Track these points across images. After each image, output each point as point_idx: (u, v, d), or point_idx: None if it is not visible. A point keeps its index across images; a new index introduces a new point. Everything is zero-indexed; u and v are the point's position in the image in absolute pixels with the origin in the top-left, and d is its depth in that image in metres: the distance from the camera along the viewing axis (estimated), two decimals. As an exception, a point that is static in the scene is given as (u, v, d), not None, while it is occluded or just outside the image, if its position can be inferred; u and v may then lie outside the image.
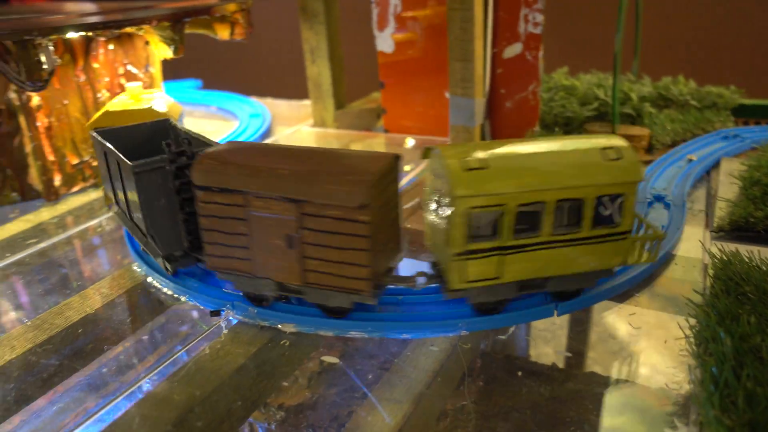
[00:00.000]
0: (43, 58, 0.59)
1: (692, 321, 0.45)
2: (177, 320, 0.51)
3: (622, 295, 0.52)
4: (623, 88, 0.91)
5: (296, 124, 1.08)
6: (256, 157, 0.46)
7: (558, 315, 0.49)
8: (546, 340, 0.47)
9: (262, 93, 1.31)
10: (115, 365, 0.46)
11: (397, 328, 0.48)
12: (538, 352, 0.45)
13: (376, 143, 0.97)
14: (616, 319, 0.49)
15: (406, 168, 0.84)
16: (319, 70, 1.00)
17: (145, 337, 0.49)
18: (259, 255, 0.47)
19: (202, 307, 0.52)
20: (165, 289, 0.55)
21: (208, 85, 1.38)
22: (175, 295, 0.54)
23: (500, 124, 0.89)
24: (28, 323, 0.52)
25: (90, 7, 0.88)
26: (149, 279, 0.57)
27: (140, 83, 0.67)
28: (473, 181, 0.43)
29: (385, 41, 0.94)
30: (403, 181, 0.79)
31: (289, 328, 0.48)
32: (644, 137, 0.82)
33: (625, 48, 0.84)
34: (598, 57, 1.22)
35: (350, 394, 0.42)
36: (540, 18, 0.82)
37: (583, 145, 0.46)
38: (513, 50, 0.85)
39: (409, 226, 0.67)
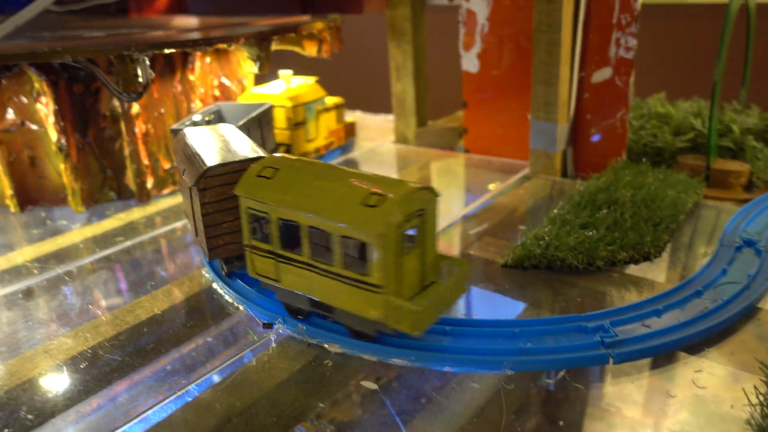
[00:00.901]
0: (139, 72, 0.64)
1: (763, 388, 0.41)
2: (232, 329, 0.53)
3: (691, 348, 0.48)
4: (724, 119, 0.85)
5: (378, 139, 1.10)
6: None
7: (614, 363, 0.46)
8: (595, 388, 0.44)
9: (350, 106, 1.33)
10: (170, 367, 0.48)
11: (441, 359, 0.47)
12: (585, 402, 0.43)
13: (455, 162, 0.97)
14: (679, 375, 0.45)
15: (480, 187, 0.83)
16: (403, 88, 1.00)
17: (201, 343, 0.52)
18: None
19: (257, 319, 0.54)
20: (227, 297, 0.58)
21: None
22: (235, 304, 0.57)
23: (584, 152, 0.85)
24: (103, 317, 0.56)
25: (192, 22, 0.94)
26: (214, 285, 0.60)
27: (290, 70, 0.74)
28: (253, 185, 0.48)
29: (471, 61, 0.93)
30: (473, 206, 0.77)
31: (335, 348, 0.49)
32: (743, 173, 0.76)
33: (733, 75, 0.78)
34: (703, 83, 1.13)
35: (384, 423, 0.42)
36: (633, 42, 0.78)
37: (362, 184, 0.45)
38: (602, 75, 0.81)
39: (472, 252, 0.65)
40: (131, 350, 0.51)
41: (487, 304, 0.57)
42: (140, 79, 0.64)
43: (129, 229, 0.76)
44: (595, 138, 0.84)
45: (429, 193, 0.47)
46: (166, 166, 0.84)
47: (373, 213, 0.42)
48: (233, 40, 0.70)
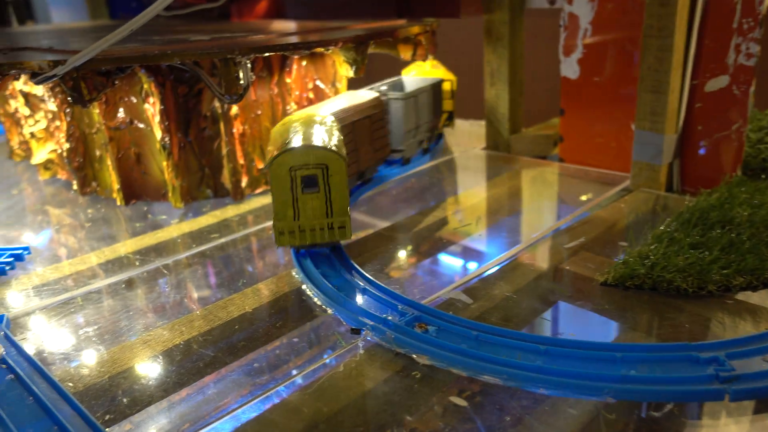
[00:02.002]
0: (240, 75, 0.65)
1: None
2: (320, 332, 0.53)
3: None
4: None
5: (469, 144, 1.07)
6: None
7: (730, 400, 0.42)
8: (707, 427, 0.40)
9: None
10: (259, 366, 0.49)
11: (535, 380, 0.44)
12: (696, 441, 0.39)
13: (549, 172, 0.93)
14: (808, 420, 0.40)
15: (575, 198, 0.79)
16: (497, 93, 0.98)
17: (289, 343, 0.52)
18: None
19: (345, 323, 0.54)
20: (315, 299, 0.58)
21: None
22: (323, 306, 0.57)
23: (693, 165, 0.79)
24: (197, 312, 0.58)
25: (290, 27, 0.96)
26: (303, 286, 0.61)
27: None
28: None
29: (571, 67, 0.89)
30: (568, 218, 0.74)
31: (424, 360, 0.48)
32: None
33: None
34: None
35: (472, 443, 0.40)
36: (755, 48, 0.71)
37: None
38: (718, 83, 0.75)
39: (568, 268, 0.62)
40: (223, 346, 0.52)
41: (584, 324, 0.54)
42: (242, 82, 0.66)
43: (223, 227, 0.78)
44: (706, 151, 0.78)
45: (332, 154, 0.59)
46: (260, 166, 0.86)
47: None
48: (331, 44, 0.71)
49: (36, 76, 0.64)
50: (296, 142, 0.59)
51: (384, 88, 0.89)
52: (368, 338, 0.51)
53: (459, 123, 1.24)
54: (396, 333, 0.50)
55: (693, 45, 0.75)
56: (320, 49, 0.73)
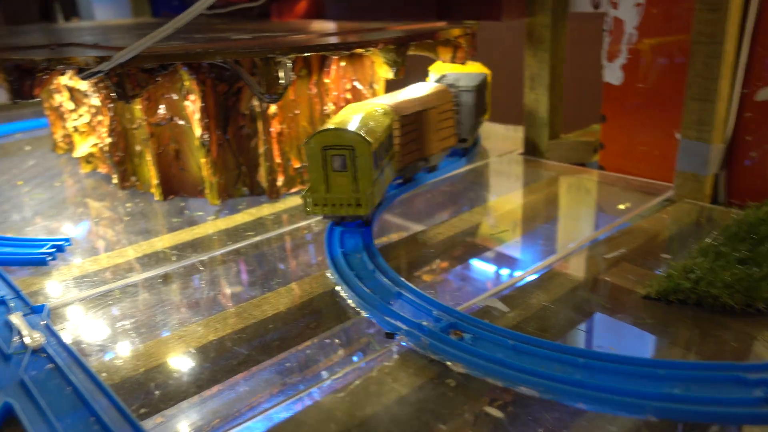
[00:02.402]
0: (281, 74, 0.65)
1: None
2: (354, 334, 0.53)
3: None
4: None
5: (506, 150, 1.06)
6: None
7: (781, 425, 0.40)
8: (758, 453, 0.39)
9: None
10: (292, 367, 0.49)
11: (574, 394, 0.43)
12: (744, 466, 0.38)
13: (588, 179, 0.91)
14: None
15: (615, 207, 0.77)
16: (536, 98, 0.96)
17: (323, 345, 0.52)
18: None
19: (379, 327, 0.53)
20: (349, 301, 0.58)
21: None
22: (357, 309, 0.56)
23: (740, 177, 0.76)
24: (232, 309, 0.58)
25: (330, 27, 0.96)
26: (338, 288, 0.60)
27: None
28: None
29: (614, 72, 0.87)
30: (608, 228, 0.72)
31: (458, 368, 0.47)
32: None
33: None
34: None
35: (508, 456, 0.39)
36: (812, 57, 0.69)
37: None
38: (770, 93, 0.72)
39: (607, 279, 0.61)
40: (257, 345, 0.52)
41: (624, 338, 0.52)
42: (282, 81, 0.66)
43: (258, 225, 0.78)
44: (754, 162, 0.75)
45: (359, 138, 0.64)
46: (296, 165, 0.86)
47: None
48: (372, 45, 0.70)
49: (82, 72, 0.65)
50: (335, 125, 0.65)
51: (449, 79, 0.92)
52: (402, 343, 0.50)
53: (495, 127, 1.22)
54: (431, 339, 0.49)
55: (744, 52, 0.72)
56: (360, 50, 0.73)
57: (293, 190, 0.88)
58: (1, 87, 0.70)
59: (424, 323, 0.51)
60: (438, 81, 0.91)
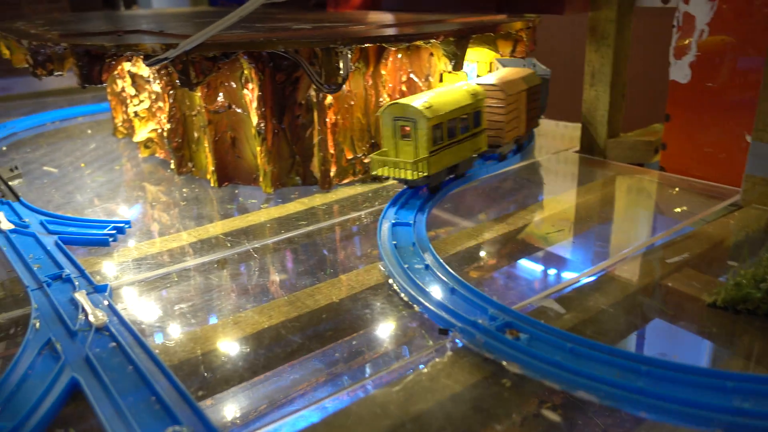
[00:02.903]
0: (341, 65, 0.65)
1: None
2: (407, 329, 0.53)
3: None
4: None
5: (561, 148, 1.04)
6: None
7: None
8: (836, 476, 0.37)
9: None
10: (346, 358, 0.49)
11: (636, 402, 0.42)
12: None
13: (648, 180, 0.88)
14: None
15: (676, 210, 0.74)
16: (596, 95, 0.93)
17: (376, 338, 0.52)
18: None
19: (432, 322, 0.53)
20: (402, 294, 0.57)
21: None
22: (410, 302, 0.56)
23: (815, 183, 0.72)
24: (286, 297, 0.58)
25: (387, 18, 0.95)
26: (390, 281, 0.60)
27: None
28: None
29: (681, 70, 0.84)
30: (670, 231, 0.70)
31: (514, 368, 0.46)
32: None
33: None
34: None
35: (566, 461, 0.38)
36: None
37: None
38: None
39: (670, 284, 0.58)
40: (311, 334, 0.52)
41: (687, 347, 0.50)
42: (341, 72, 0.66)
43: (310, 214, 0.79)
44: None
45: (420, 113, 0.71)
46: (349, 156, 0.86)
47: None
48: (432, 37, 0.69)
49: (148, 58, 0.66)
50: (407, 99, 0.73)
51: (532, 64, 0.95)
52: (456, 340, 0.50)
53: (549, 124, 1.20)
54: (486, 337, 0.48)
55: (827, 52, 0.68)
56: (420, 42, 0.72)
57: (345, 181, 0.88)
58: (71, 72, 0.72)
59: (479, 321, 0.50)
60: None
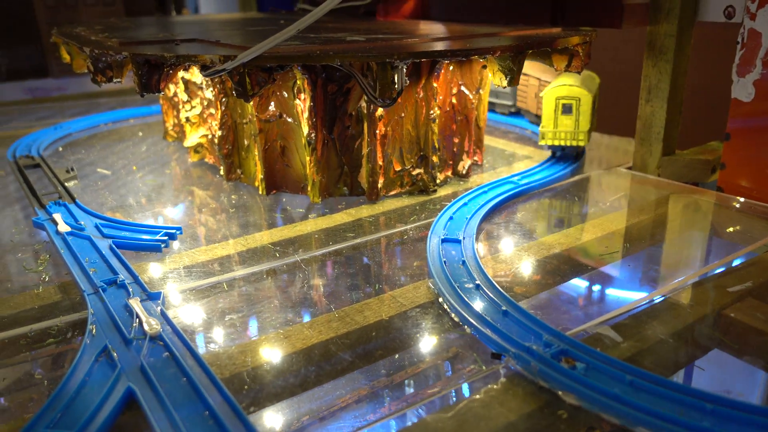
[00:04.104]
0: (396, 79, 0.65)
1: None
2: (459, 351, 0.52)
3: None
4: None
5: (612, 162, 1.01)
6: None
7: None
8: None
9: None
10: (396, 380, 0.48)
11: (700, 443, 0.40)
12: None
13: (705, 201, 0.85)
14: None
15: (737, 234, 0.72)
16: (653, 111, 0.91)
17: (427, 360, 0.51)
18: None
19: (484, 345, 0.52)
20: (452, 315, 0.57)
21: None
22: (461, 323, 0.55)
23: None
24: (335, 313, 0.58)
25: (439, 30, 0.95)
26: (440, 299, 0.59)
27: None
28: None
29: (744, 88, 0.80)
30: (730, 257, 0.67)
31: (570, 399, 0.45)
32: None
33: None
34: None
35: (627, 503, 0.37)
36: None
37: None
38: None
39: (732, 315, 0.56)
40: (360, 352, 0.52)
41: (753, 385, 0.48)
42: (396, 86, 0.66)
43: (357, 226, 0.78)
44: None
45: (584, 91, 0.92)
46: (398, 168, 0.86)
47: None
48: (489, 52, 0.69)
49: (205, 69, 0.67)
50: (565, 82, 0.93)
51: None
52: (510, 366, 0.49)
53: (600, 137, 1.17)
54: (540, 365, 0.47)
55: None
56: (475, 57, 0.71)
57: (392, 192, 0.87)
58: (127, 77, 0.74)
59: (534, 347, 0.49)
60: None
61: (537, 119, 1.12)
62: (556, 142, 0.95)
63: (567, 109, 0.92)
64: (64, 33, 1.00)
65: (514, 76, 0.72)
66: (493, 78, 0.74)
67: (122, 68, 0.77)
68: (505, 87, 0.74)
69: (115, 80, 0.77)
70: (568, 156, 0.98)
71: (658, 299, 0.60)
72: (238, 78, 0.66)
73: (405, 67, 0.66)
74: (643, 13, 0.87)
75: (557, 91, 0.92)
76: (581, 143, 0.94)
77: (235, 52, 0.66)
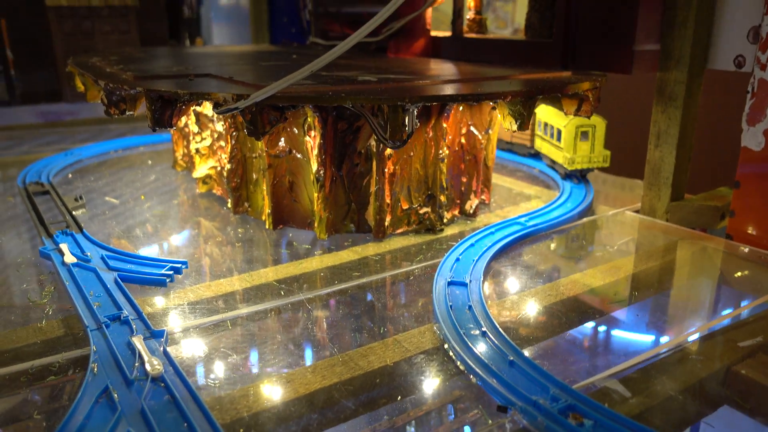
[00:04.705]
0: (406, 121, 0.65)
1: None
2: (464, 402, 0.51)
3: None
4: None
5: (619, 205, 1.01)
6: None
7: None
8: None
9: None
10: (402, 428, 0.47)
11: None
12: None
13: (713, 249, 0.84)
14: None
15: (747, 285, 0.71)
16: (661, 156, 0.91)
17: (433, 409, 0.50)
18: None
19: (489, 396, 0.51)
20: (458, 363, 0.56)
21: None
22: (466, 372, 0.54)
23: None
24: (339, 356, 0.57)
25: (450, 70, 0.96)
26: (446, 346, 0.59)
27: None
28: None
29: (754, 137, 0.81)
30: (741, 309, 0.66)
31: (577, 457, 0.44)
32: None
33: None
34: None
35: None
36: None
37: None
38: None
39: (743, 372, 0.55)
40: (364, 400, 0.51)
41: (766, 446, 0.47)
42: (407, 128, 0.66)
43: (363, 264, 0.78)
44: None
45: (600, 120, 1.04)
46: (405, 206, 0.86)
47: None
48: (500, 97, 0.69)
49: (218, 106, 0.68)
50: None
51: None
52: (516, 419, 0.48)
53: (607, 178, 1.17)
54: (547, 421, 0.46)
55: None
56: (487, 101, 0.71)
57: (399, 230, 0.87)
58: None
59: (541, 401, 0.48)
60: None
61: (553, 162, 1.13)
62: (584, 166, 1.04)
63: (584, 136, 1.02)
64: (80, 63, 1.01)
65: (524, 120, 0.72)
66: (503, 122, 0.74)
67: (135, 101, 0.78)
68: (515, 131, 0.74)
69: (128, 113, 0.78)
70: (583, 177, 1.08)
71: (665, 352, 0.59)
72: (250, 117, 0.66)
73: (416, 109, 0.66)
74: (653, 60, 0.88)
75: (577, 121, 1.02)
76: (605, 165, 1.05)
77: (248, 91, 0.67)
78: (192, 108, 1.01)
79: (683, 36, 0.85)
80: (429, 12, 1.18)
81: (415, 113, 0.67)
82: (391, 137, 0.66)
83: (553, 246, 0.86)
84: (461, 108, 0.87)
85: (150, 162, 1.30)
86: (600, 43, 0.90)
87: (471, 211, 0.93)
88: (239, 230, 0.90)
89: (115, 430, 0.45)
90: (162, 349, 0.56)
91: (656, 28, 0.87)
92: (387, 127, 0.67)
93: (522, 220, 0.90)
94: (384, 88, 0.71)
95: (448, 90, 0.71)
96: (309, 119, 0.79)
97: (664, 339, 0.61)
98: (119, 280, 0.69)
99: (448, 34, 1.17)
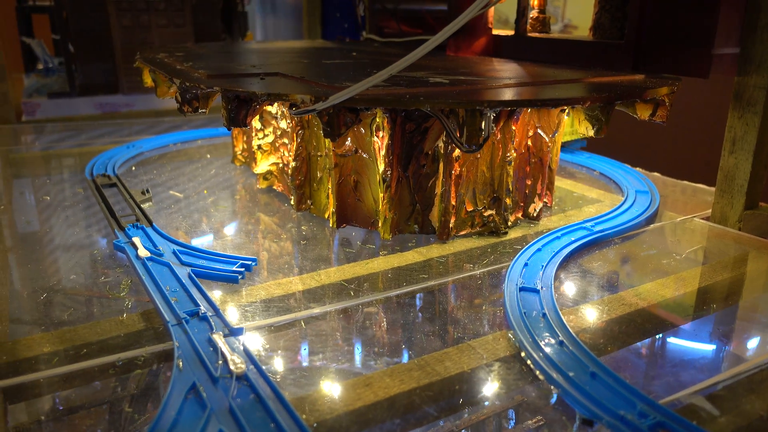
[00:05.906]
0: (483, 126, 0.65)
1: None
2: (547, 413, 0.50)
3: None
4: None
5: (685, 212, 0.98)
6: None
7: None
8: None
9: (649, 166, 1.23)
10: (485, 440, 0.47)
11: None
12: None
13: (790, 260, 0.81)
14: None
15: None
16: (736, 162, 0.88)
17: (516, 420, 0.50)
18: None
19: (572, 409, 0.50)
20: (537, 372, 0.55)
21: (591, 144, 1.36)
22: (546, 381, 0.54)
23: None
24: (415, 361, 0.57)
25: (518, 71, 0.94)
26: (522, 354, 0.58)
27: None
28: None
29: (840, 146, 0.77)
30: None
31: (671, 477, 0.43)
32: None
33: None
34: None
35: None
36: None
37: None
38: None
39: (838, 393, 0.53)
40: (444, 407, 0.51)
41: None
42: (483, 132, 0.66)
43: (428, 266, 0.78)
44: None
45: None
46: (470, 208, 0.85)
47: None
48: (579, 102, 0.68)
49: (294, 107, 0.68)
50: None
51: None
52: (603, 434, 0.47)
53: (674, 183, 1.14)
54: (637, 437, 0.45)
55: None
56: (565, 106, 0.70)
57: (462, 232, 0.87)
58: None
59: (628, 416, 0.47)
60: None
61: None
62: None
63: None
64: (148, 59, 1.03)
65: (602, 126, 0.71)
66: (579, 127, 0.73)
67: (208, 99, 0.79)
68: (592, 137, 0.72)
69: (200, 110, 0.79)
70: None
71: (752, 370, 0.57)
72: (327, 119, 0.66)
73: (494, 115, 0.65)
74: (732, 63, 0.85)
75: None
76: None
77: (325, 92, 0.67)
78: (257, 105, 1.02)
79: (765, 40, 0.82)
80: (491, 10, 1.17)
81: (492, 117, 0.66)
82: (467, 141, 0.66)
83: (621, 253, 0.84)
84: (529, 110, 0.86)
85: (209, 156, 1.32)
86: (675, 45, 0.87)
87: (534, 215, 0.92)
88: (303, 228, 0.90)
89: (207, 428, 0.46)
90: (242, 347, 0.57)
91: (736, 31, 0.84)
92: (463, 131, 0.66)
93: (588, 224, 0.88)
94: (459, 90, 0.70)
95: (524, 94, 0.70)
96: (378, 120, 0.79)
97: (747, 355, 0.60)
98: (193, 275, 0.70)
99: (510, 32, 1.15)
